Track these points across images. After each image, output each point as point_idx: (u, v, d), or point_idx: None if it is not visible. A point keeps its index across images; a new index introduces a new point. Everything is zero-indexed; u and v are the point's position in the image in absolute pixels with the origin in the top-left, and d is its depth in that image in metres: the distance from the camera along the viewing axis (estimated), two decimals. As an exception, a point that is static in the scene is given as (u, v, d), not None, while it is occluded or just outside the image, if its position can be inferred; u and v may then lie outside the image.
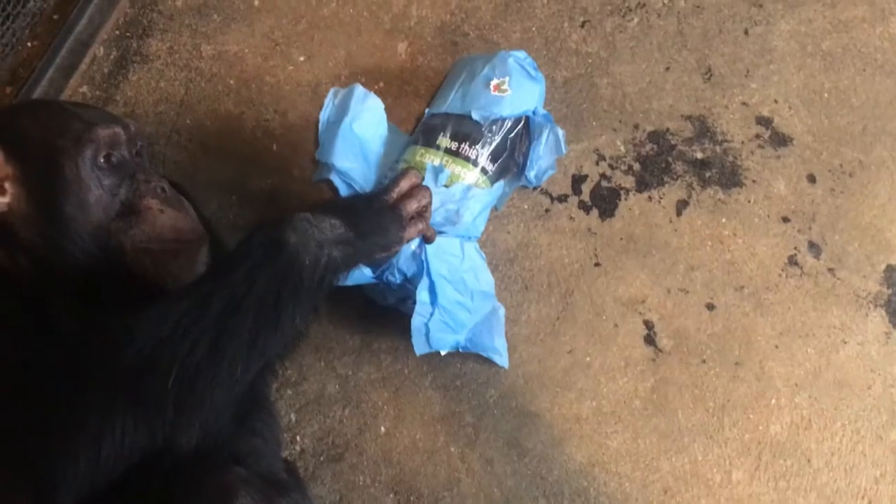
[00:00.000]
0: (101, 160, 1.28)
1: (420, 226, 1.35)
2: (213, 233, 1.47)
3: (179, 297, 1.13)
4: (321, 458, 1.69)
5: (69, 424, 1.06)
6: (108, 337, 1.11)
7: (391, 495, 1.66)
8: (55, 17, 2.05)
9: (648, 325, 1.79)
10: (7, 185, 1.24)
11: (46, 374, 1.10)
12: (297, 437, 1.71)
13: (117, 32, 2.07)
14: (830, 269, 1.83)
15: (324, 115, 1.95)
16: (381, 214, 1.30)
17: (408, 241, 1.35)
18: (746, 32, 2.07)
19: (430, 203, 1.38)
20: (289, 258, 1.13)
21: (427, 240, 1.45)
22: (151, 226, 1.29)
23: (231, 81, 2.03)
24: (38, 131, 1.28)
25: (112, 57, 2.04)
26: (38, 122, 1.30)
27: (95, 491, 1.08)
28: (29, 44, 2.02)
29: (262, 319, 1.11)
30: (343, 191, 1.85)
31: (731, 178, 1.92)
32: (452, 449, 1.70)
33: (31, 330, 1.18)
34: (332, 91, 1.98)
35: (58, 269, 1.26)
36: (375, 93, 1.96)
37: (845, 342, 1.77)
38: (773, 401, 1.73)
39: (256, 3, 2.11)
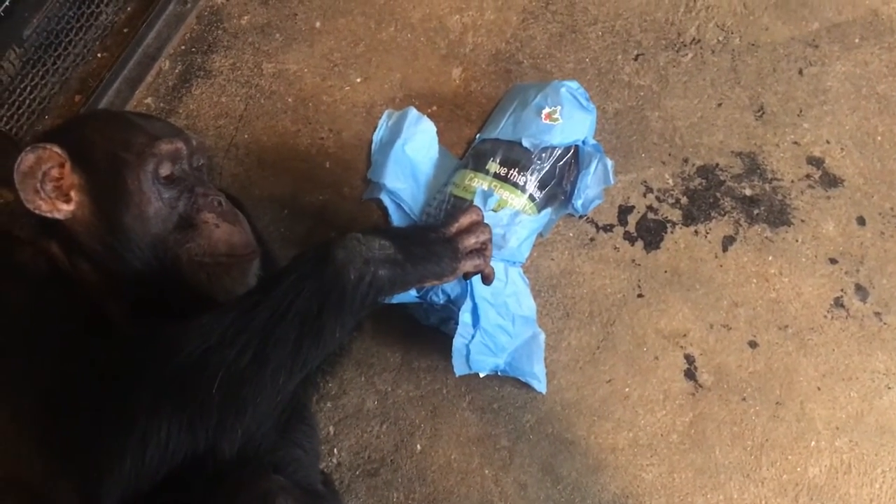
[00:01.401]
0: (162, 174, 1.32)
1: (477, 261, 1.33)
2: (266, 246, 1.50)
3: (228, 307, 1.17)
4: (357, 472, 1.71)
5: (117, 424, 1.10)
6: (157, 342, 1.14)
7: (424, 513, 1.68)
8: (125, 30, 2.14)
9: (689, 359, 1.79)
10: (72, 193, 1.28)
11: (99, 374, 1.13)
12: (335, 450, 1.73)
13: (183, 47, 2.15)
14: (877, 314, 1.81)
15: (377, 136, 1.99)
16: (436, 244, 1.30)
17: (462, 275, 1.34)
18: (801, 72, 2.07)
19: (489, 240, 1.36)
20: (334, 272, 1.15)
21: (485, 279, 1.40)
22: (207, 240, 1.32)
23: (289, 99, 2.08)
24: (103, 142, 1.33)
25: (177, 71, 2.12)
26: (103, 134, 1.35)
27: (139, 492, 1.11)
28: (99, 55, 2.10)
29: (306, 330, 1.14)
30: (392, 210, 1.89)
31: (779, 216, 1.91)
32: (487, 471, 1.71)
33: (87, 330, 1.23)
34: (386, 113, 2.02)
35: (116, 277, 1.30)
36: (428, 116, 2.00)
37: (889, 388, 1.75)
38: (813, 443, 1.71)
39: (318, 24, 2.17)
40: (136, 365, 1.13)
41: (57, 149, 1.27)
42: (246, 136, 2.04)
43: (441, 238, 1.32)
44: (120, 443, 1.09)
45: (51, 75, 1.99)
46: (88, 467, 1.10)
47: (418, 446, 1.74)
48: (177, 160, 1.34)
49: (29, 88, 1.93)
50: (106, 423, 1.10)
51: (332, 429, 1.75)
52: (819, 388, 1.75)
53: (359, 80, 2.11)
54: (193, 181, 1.36)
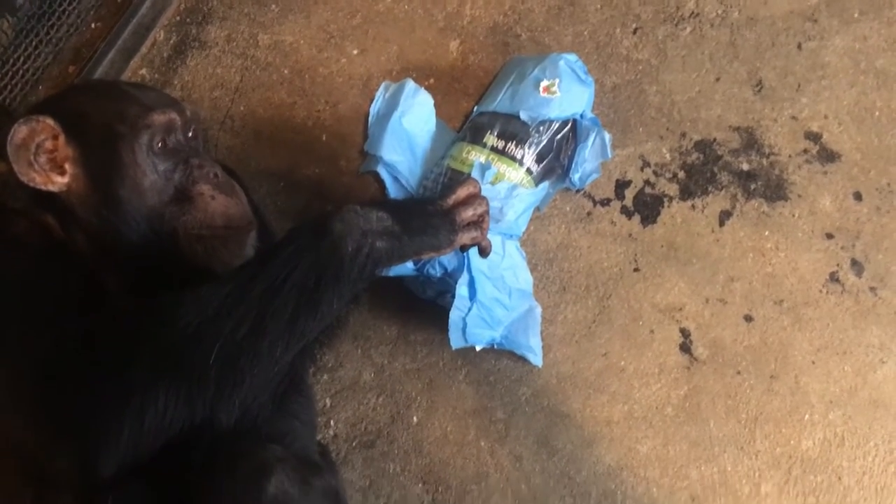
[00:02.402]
0: (157, 145, 1.31)
1: (474, 233, 1.34)
2: (263, 219, 1.50)
3: (226, 278, 1.17)
4: (353, 444, 1.72)
5: (115, 395, 1.10)
6: (155, 313, 1.14)
7: (420, 485, 1.69)
8: (119, 0, 2.11)
9: (685, 333, 1.80)
10: (67, 165, 1.28)
11: (96, 345, 1.13)
12: (331, 422, 1.74)
13: (178, 18, 2.13)
14: (872, 288, 1.81)
15: (374, 108, 1.98)
16: (434, 216, 1.30)
17: (460, 247, 1.34)
18: (799, 47, 2.06)
19: (486, 212, 1.37)
20: (331, 243, 1.16)
21: (482, 251, 1.41)
22: (203, 212, 1.32)
23: (285, 71, 2.07)
24: (97, 114, 1.32)
25: (172, 42, 2.10)
26: (96, 105, 1.34)
27: (136, 462, 1.12)
28: (93, 25, 2.09)
29: (303, 302, 1.14)
30: (389, 183, 1.88)
31: (776, 191, 1.91)
32: (482, 443, 1.72)
33: (84, 301, 1.22)
34: (383, 85, 2.01)
35: (112, 249, 1.30)
36: (426, 89, 1.99)
37: (883, 362, 1.75)
38: (807, 416, 1.72)
39: (314, -5, 2.15)
40: (134, 335, 1.13)
41: (50, 121, 1.26)
42: (241, 107, 2.02)
43: (438, 210, 1.32)
44: (118, 413, 1.09)
45: (44, 45, 1.97)
46: (86, 438, 1.10)
47: (414, 418, 1.75)
48: (171, 131, 1.33)
49: (22, 59, 1.92)
50: (103, 393, 1.10)
51: (328, 401, 1.76)
52: (813, 362, 1.76)
53: (355, 52, 2.09)
54: (189, 152, 1.36)
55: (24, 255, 1.26)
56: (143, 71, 2.06)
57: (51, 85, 2.00)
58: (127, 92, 1.38)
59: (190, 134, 1.39)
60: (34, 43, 1.94)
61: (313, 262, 1.15)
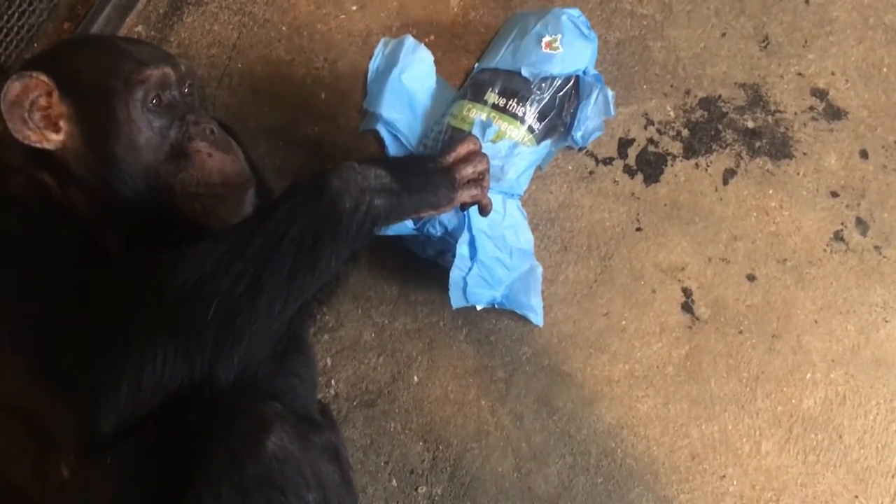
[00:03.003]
0: (152, 101, 1.29)
1: (474, 191, 1.31)
2: (260, 176, 1.48)
3: (224, 235, 1.17)
4: (354, 403, 1.72)
5: (113, 351, 1.10)
6: (153, 269, 1.14)
7: (420, 443, 1.69)
8: (114, -45, 2.07)
9: (687, 292, 1.79)
10: (61, 122, 1.26)
11: (94, 302, 1.13)
12: (332, 381, 1.74)
13: (174, -27, 2.09)
14: (877, 247, 1.80)
15: (373, 65, 1.95)
16: (433, 174, 1.28)
17: (460, 205, 1.32)
18: (807, 1, 2.02)
19: (487, 170, 1.35)
20: (329, 200, 1.15)
21: (482, 209, 1.38)
22: (200, 170, 1.30)
23: (283, 28, 2.03)
24: (90, 70, 1.30)
25: (168, -3, 2.07)
26: (90, 60, 1.32)
27: (135, 418, 1.12)
28: (88, -20, 2.04)
29: (301, 259, 1.13)
30: (389, 141, 1.86)
31: (781, 149, 1.89)
32: (483, 402, 1.72)
33: (81, 259, 1.22)
34: (382, 41, 1.98)
35: (109, 207, 1.29)
36: (426, 46, 1.96)
37: (886, 321, 1.75)
38: (809, 375, 1.72)
39: (312, -51, 2.11)
40: (132, 292, 1.13)
41: (44, 77, 1.24)
42: (239, 65, 1.99)
43: (438, 168, 1.30)
44: (116, 369, 1.09)
45: (39, 2, 1.93)
46: (85, 393, 1.10)
47: (415, 378, 1.75)
48: (165, 87, 1.31)
49: (17, 15, 1.88)
50: (102, 350, 1.10)
51: (329, 360, 1.76)
52: (816, 322, 1.75)
53: (354, 7, 2.05)
54: (185, 108, 1.34)
55: (21, 212, 1.25)
56: (139, 28, 2.03)
57: (46, 42, 1.96)
58: (120, 47, 1.36)
59: (185, 90, 1.36)
60: (28, -1, 1.91)
61: (311, 218, 1.14)
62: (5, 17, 1.86)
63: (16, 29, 1.89)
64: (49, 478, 1.16)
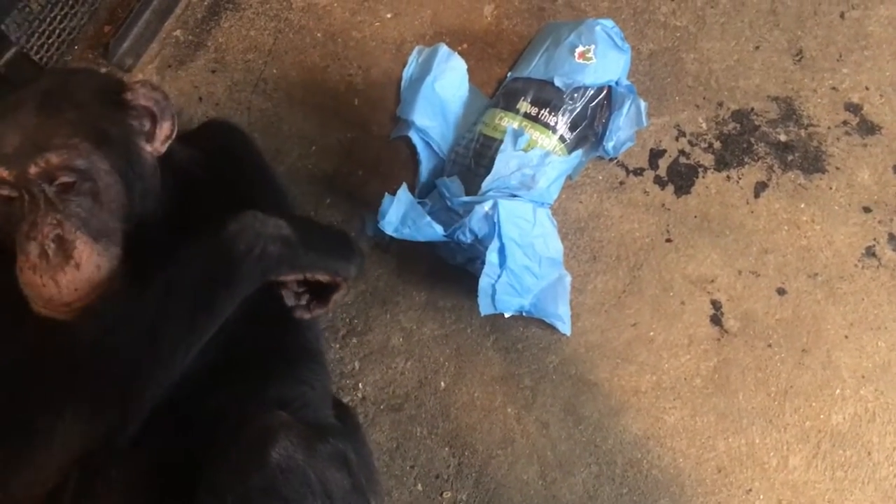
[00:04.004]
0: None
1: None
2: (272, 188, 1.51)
3: (126, 288, 1.19)
4: (381, 407, 1.74)
5: (22, 419, 1.11)
6: (60, 331, 1.15)
7: (446, 448, 1.70)
8: (154, -39, 2.11)
9: (716, 304, 1.78)
10: None
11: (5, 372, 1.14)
12: (360, 385, 1.75)
13: (213, -21, 2.12)
14: (910, 264, 1.79)
15: (407, 73, 1.97)
16: (339, 243, 1.41)
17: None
18: (842, 16, 2.01)
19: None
20: (226, 242, 1.19)
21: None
22: (24, 286, 1.20)
23: (318, 34, 2.06)
24: None
25: (206, 3, 2.09)
26: None
27: (53, 478, 1.12)
28: (128, -15, 2.08)
29: (198, 303, 1.16)
30: (421, 148, 1.88)
31: (813, 163, 1.88)
32: (509, 410, 1.73)
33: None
34: (416, 49, 2.00)
35: None
36: (459, 54, 1.97)
37: (918, 338, 1.73)
38: (838, 391, 1.71)
39: (348, -43, 2.13)
40: (41, 356, 1.14)
41: None
42: (274, 70, 2.02)
43: (343, 238, 1.44)
44: (26, 439, 1.11)
45: (80, 5, 1.97)
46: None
47: (442, 383, 1.76)
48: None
49: (59, 18, 1.92)
50: (11, 418, 1.11)
51: (357, 364, 1.77)
52: (846, 337, 1.74)
53: (389, 15, 2.08)
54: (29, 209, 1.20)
55: None
56: (178, 32, 2.06)
57: (86, 45, 2.00)
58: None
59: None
60: (70, 2, 1.94)
61: (206, 260, 1.18)
62: (48, 20, 1.90)
63: (57, 31, 1.93)
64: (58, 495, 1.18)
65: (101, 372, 1.12)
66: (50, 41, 1.91)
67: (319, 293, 1.41)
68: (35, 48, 1.86)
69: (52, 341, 1.15)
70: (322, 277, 1.35)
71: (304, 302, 1.40)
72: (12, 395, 1.13)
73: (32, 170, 1.15)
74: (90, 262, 1.18)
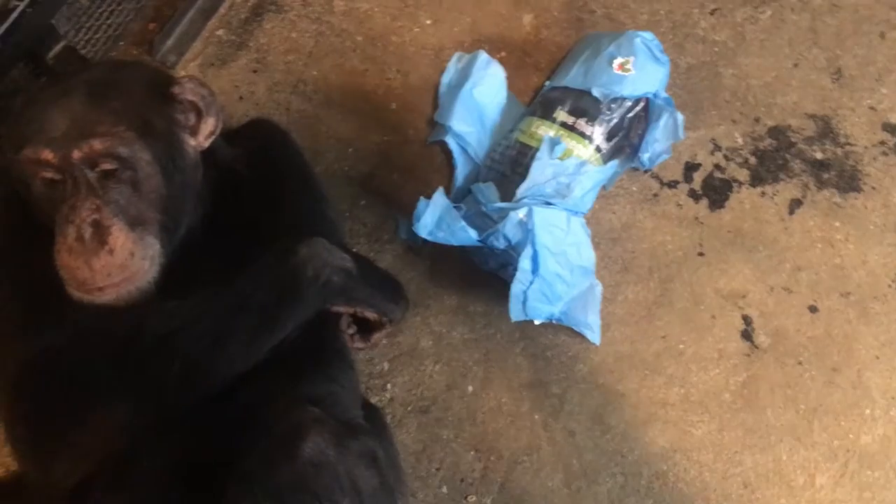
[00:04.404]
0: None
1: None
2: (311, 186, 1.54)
3: (194, 294, 1.21)
4: (409, 408, 1.74)
5: (78, 402, 1.15)
6: (124, 324, 1.19)
7: (472, 452, 1.70)
8: (200, -39, 2.14)
9: (747, 320, 1.78)
10: None
11: (66, 353, 1.17)
12: (388, 385, 1.76)
13: (257, -19, 2.16)
14: (945, 286, 1.78)
15: (446, 78, 1.99)
16: (390, 285, 1.54)
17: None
18: (882, 36, 2.01)
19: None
20: (294, 265, 1.24)
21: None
22: (60, 268, 1.22)
23: (359, 38, 2.08)
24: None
25: (249, 4, 2.13)
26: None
27: (93, 465, 1.16)
28: (174, -16, 2.12)
29: (263, 318, 1.21)
30: (457, 154, 1.89)
31: (849, 182, 1.88)
32: (536, 416, 1.73)
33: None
34: (456, 55, 2.02)
35: None
36: (497, 62, 1.98)
37: (951, 361, 1.72)
38: (868, 411, 1.70)
39: (390, -37, 2.16)
40: (101, 346, 1.17)
41: None
42: (314, 72, 2.04)
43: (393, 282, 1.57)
44: (78, 421, 1.14)
45: (127, 2, 2.01)
46: (42, 445, 1.16)
47: (470, 388, 1.76)
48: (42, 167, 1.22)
49: (106, 14, 1.96)
50: (67, 400, 1.15)
51: (386, 365, 1.78)
52: (878, 357, 1.73)
53: (429, 21, 2.10)
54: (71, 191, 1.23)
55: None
56: (221, 32, 2.09)
57: (131, 41, 2.04)
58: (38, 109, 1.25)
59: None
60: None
61: (275, 280, 1.23)
62: (95, 16, 1.94)
63: (104, 27, 1.97)
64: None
65: (157, 368, 1.15)
66: (97, 36, 1.94)
67: (363, 328, 1.50)
68: (82, 43, 1.90)
69: (104, 328, 1.18)
70: (370, 315, 1.45)
71: (351, 332, 1.49)
72: (59, 379, 1.15)
73: (76, 154, 1.17)
74: (124, 248, 1.21)
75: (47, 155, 1.17)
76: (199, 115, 1.31)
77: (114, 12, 1.98)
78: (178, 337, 1.16)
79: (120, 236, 1.20)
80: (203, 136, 1.32)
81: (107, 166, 1.20)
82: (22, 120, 1.24)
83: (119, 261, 1.20)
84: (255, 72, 2.05)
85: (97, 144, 1.18)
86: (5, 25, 1.52)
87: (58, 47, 1.78)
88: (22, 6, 1.54)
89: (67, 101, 1.22)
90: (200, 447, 1.19)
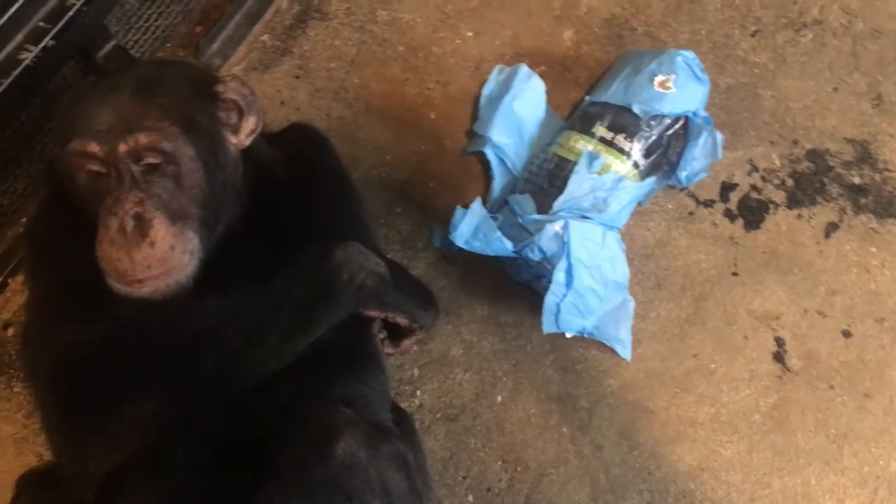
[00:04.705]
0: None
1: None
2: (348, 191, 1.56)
3: (232, 292, 1.23)
4: (437, 416, 1.75)
5: (114, 392, 1.17)
6: (163, 319, 1.21)
7: (499, 462, 1.71)
8: (248, -33, 2.18)
9: (779, 342, 1.77)
10: None
11: (105, 344, 1.20)
12: (418, 392, 1.77)
13: (302, -12, 2.19)
14: (981, 316, 1.76)
15: (486, 90, 2.01)
16: (422, 291, 1.55)
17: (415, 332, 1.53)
18: (925, 63, 2.01)
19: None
20: (331, 268, 1.27)
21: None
22: (100, 259, 1.25)
23: (400, 48, 2.11)
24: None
25: (294, 11, 2.16)
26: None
27: (125, 454, 1.18)
28: (221, -12, 2.16)
29: (297, 318, 1.23)
30: (495, 164, 1.91)
31: (886, 208, 1.87)
32: (564, 429, 1.73)
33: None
34: (497, 67, 2.03)
35: None
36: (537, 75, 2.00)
37: None
38: (900, 438, 1.69)
39: (434, -25, 2.19)
40: (139, 339, 1.19)
41: None
42: (356, 80, 2.07)
43: (425, 292, 1.58)
44: (113, 411, 1.16)
45: (175, 4, 2.05)
46: (77, 431, 1.18)
47: (499, 398, 1.77)
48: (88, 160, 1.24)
49: (155, 16, 2.00)
50: (104, 389, 1.17)
51: (416, 371, 1.79)
52: (911, 385, 1.72)
53: (470, 34, 2.12)
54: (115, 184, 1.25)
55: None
56: (265, 37, 2.12)
57: (178, 43, 2.08)
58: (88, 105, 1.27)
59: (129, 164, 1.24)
60: (166, 1, 2.02)
61: (312, 281, 1.25)
62: (144, 17, 1.98)
63: (152, 28, 2.01)
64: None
65: (192, 362, 1.18)
66: (145, 37, 1.98)
67: (394, 334, 1.51)
68: (131, 43, 1.94)
69: (142, 322, 1.21)
70: (401, 321, 1.46)
71: (382, 336, 1.51)
72: (95, 369, 1.18)
73: (122, 147, 1.20)
74: (164, 241, 1.22)
75: (94, 148, 1.20)
76: (241, 113, 1.33)
77: (162, 14, 2.02)
78: (214, 333, 1.19)
79: (161, 229, 1.22)
80: (244, 135, 1.34)
81: (151, 160, 1.22)
82: (70, 114, 1.27)
83: (160, 253, 1.22)
84: (297, 77, 2.08)
85: (143, 138, 1.21)
86: (61, 23, 1.55)
87: (108, 46, 1.81)
88: (78, 5, 1.57)
89: (115, 97, 1.25)
90: (234, 441, 1.21)
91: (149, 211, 1.21)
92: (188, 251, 1.26)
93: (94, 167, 1.22)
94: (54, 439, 1.24)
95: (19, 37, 1.52)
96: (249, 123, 1.34)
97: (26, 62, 1.51)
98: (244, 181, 1.38)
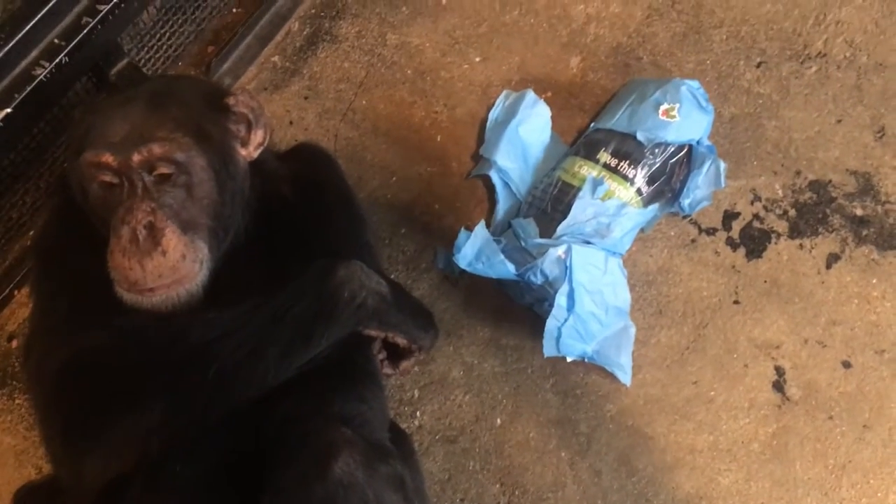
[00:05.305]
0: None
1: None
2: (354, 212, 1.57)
3: (234, 306, 1.25)
4: (436, 437, 1.76)
5: (113, 403, 1.19)
6: (165, 330, 1.23)
7: (497, 485, 1.71)
8: (260, -12, 2.21)
9: (779, 371, 1.78)
10: None
11: (105, 354, 1.22)
12: (417, 413, 1.78)
13: (313, 11, 2.22)
14: (982, 350, 1.76)
15: (493, 114, 2.03)
16: (418, 316, 1.53)
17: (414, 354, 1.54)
18: (928, 97, 2.02)
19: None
20: (333, 285, 1.28)
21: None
22: (111, 269, 1.27)
23: (409, 71, 2.13)
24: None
25: (305, 33, 2.19)
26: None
27: (124, 466, 1.19)
28: (234, 10, 2.19)
29: (298, 333, 1.25)
30: (499, 188, 1.92)
31: (888, 240, 1.88)
32: (563, 454, 1.74)
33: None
34: (504, 92, 2.06)
35: None
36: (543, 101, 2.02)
37: None
38: (898, 471, 1.69)
39: (444, 1, 2.21)
40: (139, 350, 1.21)
41: None
42: (364, 102, 2.10)
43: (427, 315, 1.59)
44: (111, 422, 1.18)
45: (188, 24, 2.08)
46: (75, 442, 1.20)
47: (498, 420, 1.77)
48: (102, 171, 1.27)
49: (167, 35, 2.02)
50: (104, 400, 1.19)
51: (416, 392, 1.80)
52: (911, 417, 1.72)
53: (478, 59, 2.14)
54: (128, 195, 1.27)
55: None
56: (276, 58, 2.15)
57: (189, 62, 2.11)
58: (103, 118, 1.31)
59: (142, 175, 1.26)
60: (179, 21, 2.04)
61: (314, 298, 1.27)
62: (157, 36, 2.00)
63: (164, 47, 2.03)
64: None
65: (192, 374, 1.19)
66: (157, 55, 2.01)
67: (393, 354, 1.52)
68: (143, 61, 1.96)
69: (144, 333, 1.22)
70: (401, 341, 1.47)
71: (381, 356, 1.51)
72: (95, 379, 1.19)
73: (135, 158, 1.23)
74: (176, 251, 1.24)
75: (107, 158, 1.23)
76: (250, 126, 1.36)
77: (175, 33, 2.05)
78: (215, 345, 1.20)
79: (173, 238, 1.24)
80: (253, 147, 1.37)
81: (164, 170, 1.25)
82: (83, 126, 1.30)
83: (171, 262, 1.24)
84: (306, 98, 2.10)
85: (156, 149, 1.23)
86: (76, 40, 1.58)
87: (121, 64, 1.84)
88: (93, 23, 1.59)
89: (128, 109, 1.28)
90: (234, 454, 1.22)
91: (161, 220, 1.24)
92: (199, 260, 1.28)
93: (107, 178, 1.25)
94: (51, 448, 1.26)
95: (34, 53, 1.55)
96: (258, 136, 1.37)
97: (40, 77, 1.54)
98: (252, 194, 1.41)
